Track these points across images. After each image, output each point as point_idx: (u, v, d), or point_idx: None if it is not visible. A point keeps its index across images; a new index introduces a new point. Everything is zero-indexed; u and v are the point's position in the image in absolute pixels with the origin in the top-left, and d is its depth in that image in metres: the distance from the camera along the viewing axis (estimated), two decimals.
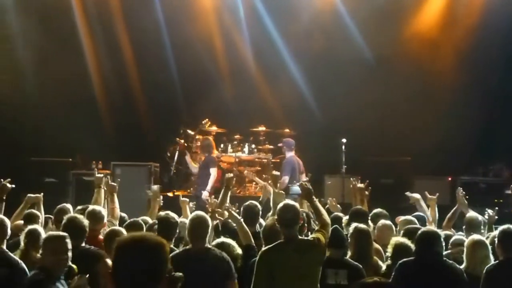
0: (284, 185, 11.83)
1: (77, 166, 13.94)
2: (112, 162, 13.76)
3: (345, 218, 7.60)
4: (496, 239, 6.33)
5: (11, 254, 6.20)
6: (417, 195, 8.51)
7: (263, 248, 5.87)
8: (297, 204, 5.88)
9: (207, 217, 6.22)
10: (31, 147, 13.57)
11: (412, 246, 6.14)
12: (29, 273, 5.78)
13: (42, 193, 8.19)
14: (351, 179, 9.67)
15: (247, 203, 7.79)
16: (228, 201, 7.63)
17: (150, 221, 7.33)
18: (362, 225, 6.63)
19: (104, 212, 7.18)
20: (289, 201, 5.97)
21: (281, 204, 5.88)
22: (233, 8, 15.16)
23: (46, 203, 8.25)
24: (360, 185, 8.88)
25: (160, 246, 3.06)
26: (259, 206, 7.67)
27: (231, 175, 8.48)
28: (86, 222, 6.28)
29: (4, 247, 6.16)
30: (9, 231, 6.29)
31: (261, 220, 7.62)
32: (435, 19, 14.94)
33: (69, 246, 5.31)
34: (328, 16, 14.89)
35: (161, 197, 8.92)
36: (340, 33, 14.80)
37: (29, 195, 8.16)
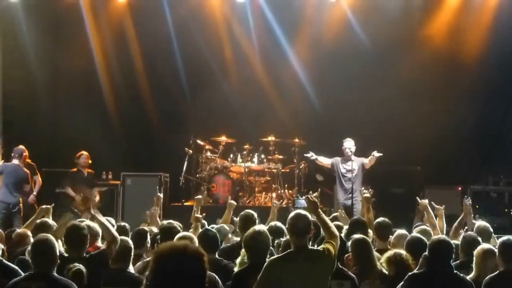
0: None
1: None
2: (123, 172, 13.83)
3: (345, 228, 7.57)
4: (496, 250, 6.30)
5: (8, 263, 6.20)
6: (425, 201, 8.50)
7: (273, 257, 5.84)
8: (308, 214, 5.86)
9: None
10: (43, 158, 13.62)
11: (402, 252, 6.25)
12: None
13: (53, 204, 8.29)
14: (361, 188, 9.67)
15: (243, 212, 7.78)
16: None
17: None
18: (359, 235, 6.57)
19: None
20: (301, 211, 5.93)
21: (293, 213, 5.87)
22: (243, 18, 15.15)
23: (57, 214, 8.29)
24: (366, 194, 8.85)
25: (201, 256, 3.05)
26: (255, 215, 7.64)
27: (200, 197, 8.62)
28: (85, 231, 6.28)
29: None
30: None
31: None
32: (446, 24, 14.87)
33: None
34: (338, 25, 14.89)
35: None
36: (350, 42, 14.79)
37: (42, 206, 8.30)
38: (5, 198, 12.26)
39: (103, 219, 6.63)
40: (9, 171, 12.38)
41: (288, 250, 5.72)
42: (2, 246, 6.72)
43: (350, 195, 12.11)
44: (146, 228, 7.44)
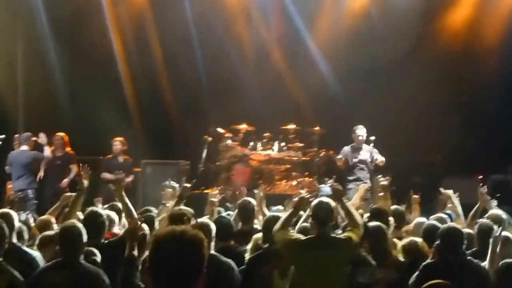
0: None
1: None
2: (143, 160, 13.90)
3: (366, 216, 7.57)
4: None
5: (27, 250, 6.22)
6: (449, 191, 8.48)
7: (296, 237, 5.84)
8: (331, 202, 5.87)
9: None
10: None
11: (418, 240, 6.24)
12: None
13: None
14: (378, 176, 9.63)
15: (241, 200, 7.83)
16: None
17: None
18: (375, 223, 6.56)
19: None
20: (323, 199, 5.95)
21: (316, 201, 5.88)
22: (263, 7, 15.19)
23: None
24: (384, 181, 8.79)
25: (200, 241, 3.01)
26: (253, 203, 7.64)
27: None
28: (104, 218, 6.33)
29: (15, 240, 6.12)
30: (16, 224, 6.30)
31: None
32: (465, 19, 14.84)
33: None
34: (357, 14, 14.88)
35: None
36: (370, 31, 14.79)
37: (65, 194, 8.56)
38: (14, 187, 12.39)
39: (128, 202, 6.69)
40: (13, 161, 12.52)
41: (310, 236, 5.74)
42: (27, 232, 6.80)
43: (364, 184, 12.04)
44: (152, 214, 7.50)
